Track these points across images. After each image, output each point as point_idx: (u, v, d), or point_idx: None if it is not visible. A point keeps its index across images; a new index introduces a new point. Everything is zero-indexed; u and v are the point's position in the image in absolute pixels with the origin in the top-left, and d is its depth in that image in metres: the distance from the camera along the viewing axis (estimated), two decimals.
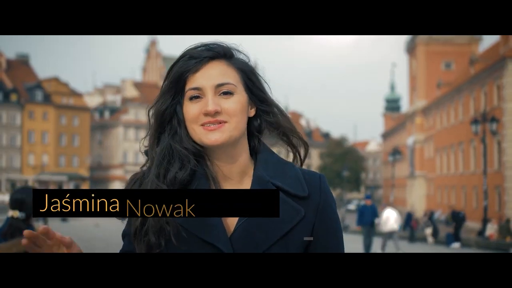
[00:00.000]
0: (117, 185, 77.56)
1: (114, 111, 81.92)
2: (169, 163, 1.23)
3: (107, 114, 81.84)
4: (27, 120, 68.58)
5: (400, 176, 68.45)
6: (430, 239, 23.67)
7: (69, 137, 73.34)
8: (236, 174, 1.26)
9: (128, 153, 79.84)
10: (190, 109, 1.23)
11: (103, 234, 21.13)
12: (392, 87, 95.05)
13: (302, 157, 1.33)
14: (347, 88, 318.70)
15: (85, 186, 74.07)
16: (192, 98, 1.23)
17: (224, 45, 1.28)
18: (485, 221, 23.50)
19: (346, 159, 67.63)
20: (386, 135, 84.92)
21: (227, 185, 1.26)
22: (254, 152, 1.31)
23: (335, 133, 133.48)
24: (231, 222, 1.21)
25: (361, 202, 59.53)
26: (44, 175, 69.27)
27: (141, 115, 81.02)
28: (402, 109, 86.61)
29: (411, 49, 62.90)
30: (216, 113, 1.20)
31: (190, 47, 1.28)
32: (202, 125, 1.22)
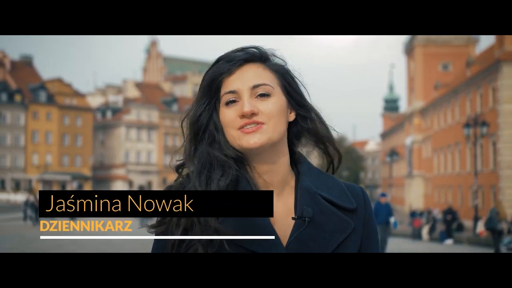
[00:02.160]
0: (119, 185, 78.34)
1: (116, 111, 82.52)
2: (209, 172, 1.18)
3: (109, 114, 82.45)
4: (31, 121, 69.43)
5: (398, 176, 69.48)
6: (426, 236, 24.76)
7: (72, 137, 74.21)
8: (278, 183, 1.22)
9: (130, 153, 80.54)
10: (227, 114, 1.19)
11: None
12: (391, 88, 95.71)
13: (335, 168, 1.32)
14: (346, 88, 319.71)
15: (87, 185, 74.89)
16: (228, 103, 1.19)
17: (260, 48, 1.25)
18: (476, 219, 24.65)
19: (345, 159, 68.44)
20: (384, 135, 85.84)
21: None
22: (293, 162, 1.28)
23: (334, 133, 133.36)
24: (283, 234, 1.18)
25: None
26: (48, 175, 70.08)
27: (142, 115, 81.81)
28: (401, 109, 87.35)
29: (409, 51, 63.83)
30: (253, 114, 1.16)
31: (226, 52, 1.25)
32: (240, 128, 1.17)
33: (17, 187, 65.91)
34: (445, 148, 50.74)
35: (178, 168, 1.25)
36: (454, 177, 47.56)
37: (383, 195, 15.85)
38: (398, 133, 73.70)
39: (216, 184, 1.16)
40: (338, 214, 1.21)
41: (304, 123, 1.25)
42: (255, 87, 1.18)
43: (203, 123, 1.21)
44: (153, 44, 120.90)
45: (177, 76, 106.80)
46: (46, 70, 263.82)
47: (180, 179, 1.22)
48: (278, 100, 1.19)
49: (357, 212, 1.23)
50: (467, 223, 35.01)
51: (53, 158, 71.82)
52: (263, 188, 1.21)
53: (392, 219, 15.16)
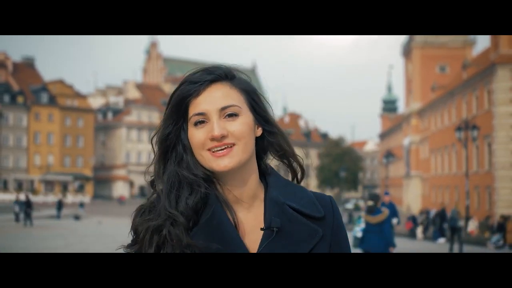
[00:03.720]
0: (120, 185, 78.99)
1: (117, 112, 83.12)
2: (178, 190, 1.20)
3: (110, 115, 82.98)
4: (33, 122, 70.14)
5: (396, 176, 70.21)
6: (420, 235, 25.63)
7: (74, 138, 74.87)
8: (247, 197, 1.24)
9: (130, 153, 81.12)
10: (196, 135, 1.20)
11: (109, 231, 22.74)
12: (389, 89, 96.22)
13: (299, 181, 1.34)
14: (345, 89, 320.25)
15: (89, 186, 75.58)
16: (196, 124, 1.20)
17: (224, 66, 1.26)
18: (467, 218, 25.55)
19: (344, 159, 68.95)
20: (383, 136, 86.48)
21: (239, 208, 1.24)
22: (262, 174, 1.30)
23: (333, 134, 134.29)
24: (253, 246, 1.21)
25: (358, 201, 61.02)
26: (50, 175, 70.84)
27: (143, 116, 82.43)
28: (399, 110, 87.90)
29: (407, 53, 64.52)
30: (223, 137, 1.18)
31: (189, 73, 1.25)
32: (209, 149, 1.19)
33: (19, 187, 66.49)
34: (442, 149, 51.49)
35: (152, 184, 1.28)
36: (450, 177, 48.28)
37: (386, 193, 15.17)
38: (396, 134, 74.37)
39: (184, 203, 1.19)
40: (306, 223, 1.23)
41: (270, 137, 1.28)
42: (224, 108, 1.19)
43: (171, 142, 1.24)
44: (153, 45, 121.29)
45: (177, 77, 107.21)
46: (47, 70, 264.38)
47: (154, 195, 1.25)
48: (245, 119, 1.21)
49: (325, 220, 1.26)
50: (463, 222, 35.77)
51: (54, 158, 72.51)
52: (233, 203, 1.24)
53: (395, 220, 13.77)
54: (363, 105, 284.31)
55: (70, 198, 60.89)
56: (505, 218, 22.06)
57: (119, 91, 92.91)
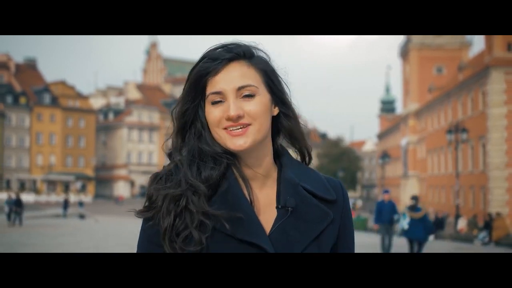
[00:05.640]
0: (121, 185, 79.72)
1: (117, 113, 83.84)
2: (199, 163, 1.21)
3: (111, 116, 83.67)
4: (35, 122, 70.90)
5: (394, 176, 71.03)
6: None
7: (75, 138, 75.61)
8: (261, 176, 1.26)
9: (131, 153, 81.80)
10: (212, 113, 1.20)
11: (111, 229, 23.51)
12: (387, 89, 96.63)
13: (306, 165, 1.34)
14: (344, 89, 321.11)
15: (90, 185, 76.27)
16: (213, 102, 1.20)
17: (244, 44, 1.25)
18: (456, 217, 26.57)
19: (342, 159, 69.56)
20: (381, 136, 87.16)
21: (252, 186, 1.25)
22: (275, 153, 1.30)
23: (332, 134, 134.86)
24: (266, 223, 1.21)
25: (356, 200, 61.81)
26: (52, 175, 71.60)
27: (144, 116, 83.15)
28: (397, 110, 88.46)
29: (404, 54, 65.26)
30: (239, 117, 1.18)
31: (209, 49, 1.24)
32: (225, 128, 1.19)
33: (22, 187, 67.27)
34: (438, 149, 52.32)
35: (170, 156, 1.29)
36: (446, 177, 49.09)
37: (386, 191, 15.14)
38: (394, 134, 75.09)
39: (208, 173, 1.20)
40: (318, 205, 1.24)
41: (284, 119, 1.28)
42: (240, 88, 1.19)
43: (189, 118, 1.25)
44: (153, 45, 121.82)
45: (177, 77, 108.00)
46: (48, 71, 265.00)
47: (171, 165, 1.25)
48: (262, 99, 1.21)
49: (336, 203, 1.28)
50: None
51: (56, 159, 73.24)
52: (249, 179, 1.25)
53: (396, 217, 14.09)
54: (361, 106, 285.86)
55: (72, 197, 61.70)
56: (490, 216, 23.11)
57: (120, 91, 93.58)
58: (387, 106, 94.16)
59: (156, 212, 1.19)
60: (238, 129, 1.18)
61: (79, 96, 77.64)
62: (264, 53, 1.28)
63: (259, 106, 1.19)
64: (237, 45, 1.24)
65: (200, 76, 1.21)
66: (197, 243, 1.15)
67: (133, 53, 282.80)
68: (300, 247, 1.20)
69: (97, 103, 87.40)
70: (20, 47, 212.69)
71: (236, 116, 1.17)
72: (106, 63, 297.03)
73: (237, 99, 1.19)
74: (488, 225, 21.85)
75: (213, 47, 1.24)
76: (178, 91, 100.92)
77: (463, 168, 43.42)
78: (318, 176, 1.31)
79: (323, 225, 1.24)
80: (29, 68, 76.55)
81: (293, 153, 1.34)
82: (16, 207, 25.61)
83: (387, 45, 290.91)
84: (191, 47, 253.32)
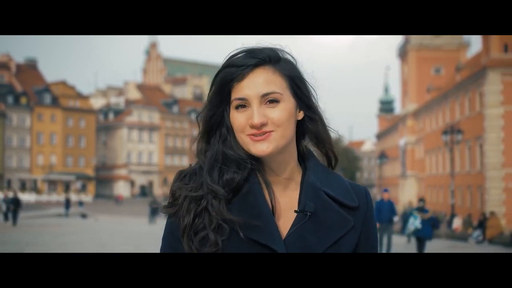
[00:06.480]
0: (122, 184, 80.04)
1: (118, 113, 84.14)
2: (221, 167, 1.22)
3: (111, 116, 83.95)
4: (36, 122, 71.24)
5: (392, 176, 71.39)
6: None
7: (76, 138, 75.96)
8: (284, 179, 1.26)
9: (132, 153, 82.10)
10: (237, 119, 1.21)
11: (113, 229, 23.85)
12: (386, 89, 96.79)
13: (332, 169, 1.33)
14: (343, 89, 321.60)
15: (91, 185, 76.59)
16: (238, 107, 1.21)
17: (269, 49, 1.24)
18: (452, 216, 27.00)
19: (341, 159, 69.67)
20: (380, 136, 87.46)
21: (274, 189, 1.25)
22: (300, 157, 1.30)
23: (331, 133, 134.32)
24: (284, 227, 1.21)
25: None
26: (53, 175, 71.95)
27: (144, 116, 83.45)
28: (396, 110, 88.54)
29: (402, 55, 65.60)
30: (262, 125, 1.18)
31: (234, 54, 1.24)
32: (249, 135, 1.20)
33: (23, 187, 67.59)
34: (436, 149, 52.67)
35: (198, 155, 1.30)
36: (444, 177, 49.40)
37: (386, 190, 15.20)
38: (392, 134, 75.38)
39: (230, 176, 1.21)
40: (339, 211, 1.23)
41: (310, 123, 1.28)
42: (265, 95, 1.19)
43: (214, 122, 1.26)
44: (153, 45, 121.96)
45: (177, 78, 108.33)
46: (48, 71, 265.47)
47: (197, 164, 1.27)
48: (286, 105, 1.21)
49: (358, 210, 1.26)
50: (456, 220, 37.09)
51: (57, 158, 73.57)
52: (272, 183, 1.25)
53: (396, 218, 14.48)
54: (361, 105, 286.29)
55: (72, 197, 62.01)
56: (484, 215, 23.56)
57: (120, 91, 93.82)
58: (386, 106, 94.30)
59: (178, 209, 1.22)
60: (261, 135, 1.19)
61: (80, 96, 77.95)
62: (291, 56, 1.28)
63: (283, 113, 1.20)
64: (262, 51, 1.23)
65: (225, 82, 1.22)
66: (213, 245, 1.17)
67: (133, 53, 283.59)
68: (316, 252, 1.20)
69: (97, 103, 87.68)
70: (20, 47, 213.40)
71: (260, 124, 1.18)
72: (106, 63, 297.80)
73: (261, 106, 1.19)
74: (482, 224, 22.35)
75: (237, 51, 1.24)
76: (178, 91, 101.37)
77: (461, 168, 43.80)
78: (342, 181, 1.29)
79: (342, 231, 1.22)
80: (29, 68, 76.85)
81: (319, 156, 1.34)
82: (14, 206, 25.07)
83: (387, 45, 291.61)
84: (191, 47, 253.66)
